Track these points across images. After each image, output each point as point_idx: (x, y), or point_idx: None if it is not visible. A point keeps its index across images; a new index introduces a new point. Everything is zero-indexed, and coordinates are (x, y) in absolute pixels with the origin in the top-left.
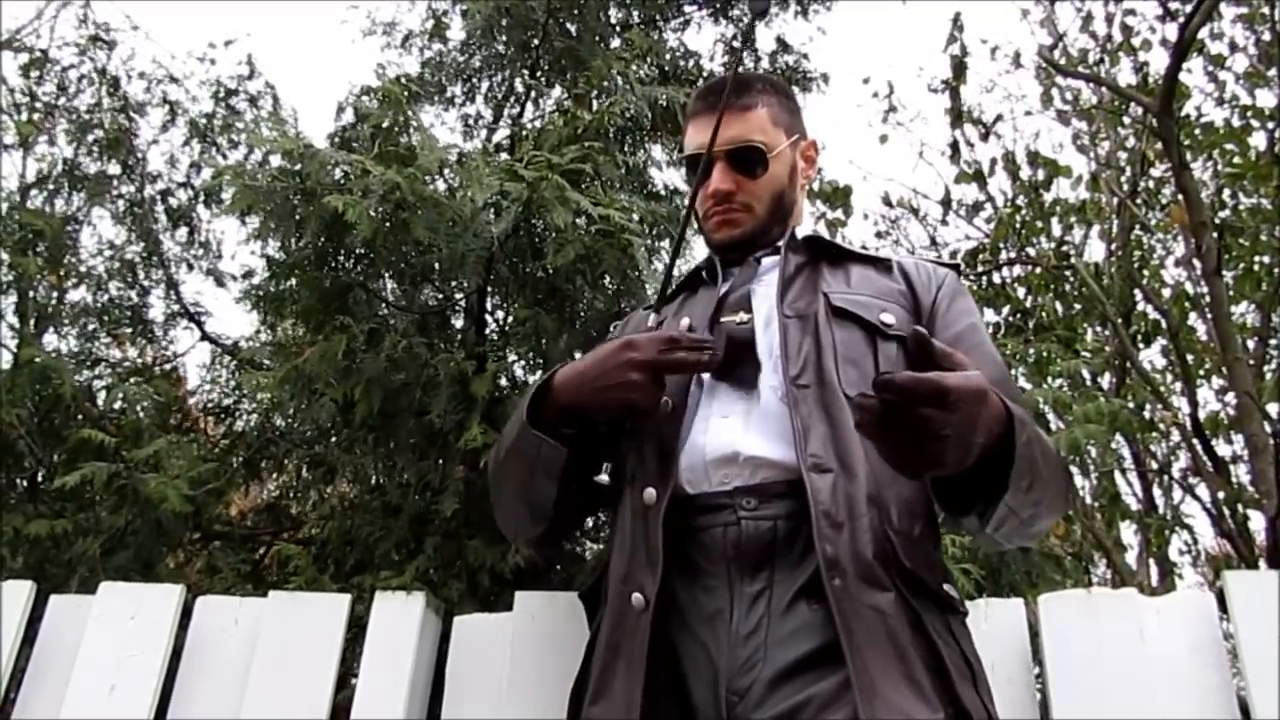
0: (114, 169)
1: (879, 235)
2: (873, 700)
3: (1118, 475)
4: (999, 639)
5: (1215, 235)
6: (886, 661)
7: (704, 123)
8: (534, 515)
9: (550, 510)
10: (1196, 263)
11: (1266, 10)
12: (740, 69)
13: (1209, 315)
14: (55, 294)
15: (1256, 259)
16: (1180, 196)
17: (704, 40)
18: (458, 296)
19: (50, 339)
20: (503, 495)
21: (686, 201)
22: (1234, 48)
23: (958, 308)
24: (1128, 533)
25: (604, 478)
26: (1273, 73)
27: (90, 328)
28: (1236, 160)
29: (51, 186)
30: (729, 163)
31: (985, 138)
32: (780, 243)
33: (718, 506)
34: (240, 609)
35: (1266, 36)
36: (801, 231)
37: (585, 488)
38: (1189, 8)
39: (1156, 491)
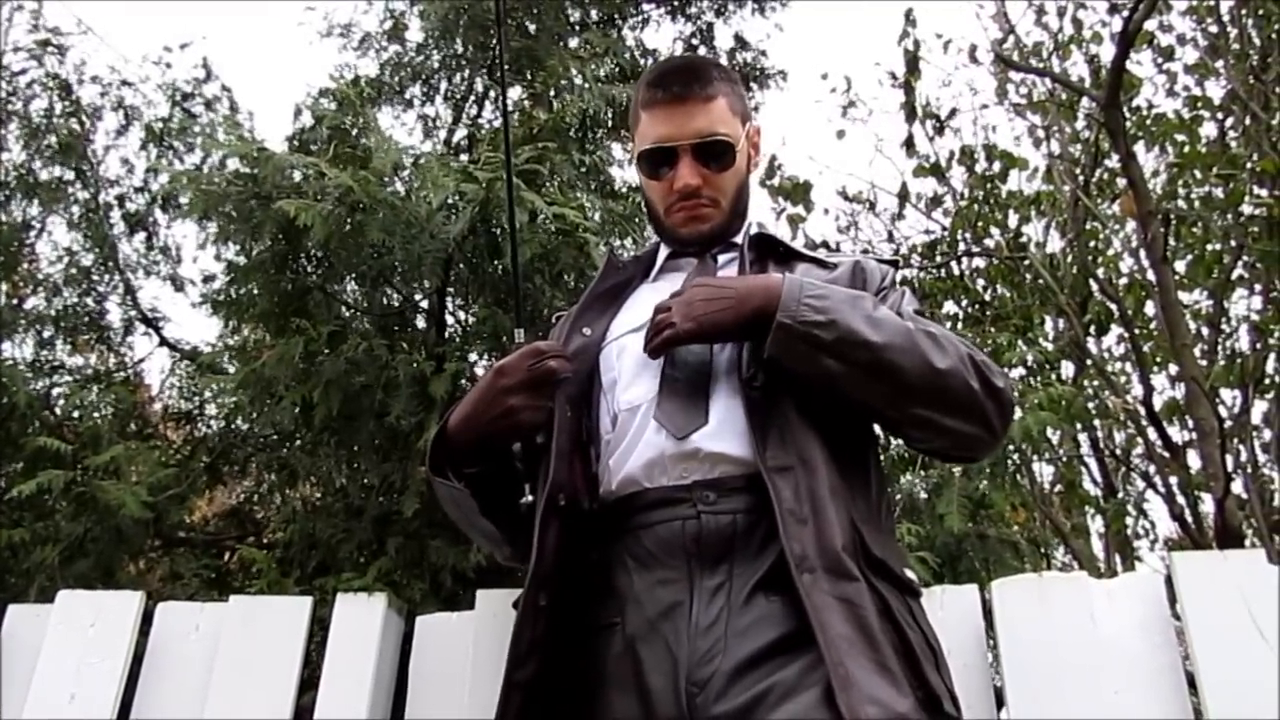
0: (68, 175)
1: (842, 231)
2: (849, 689)
3: (1077, 462)
4: (955, 625)
5: (1162, 224)
6: (859, 650)
7: (664, 112)
8: (491, 541)
9: (501, 535)
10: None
11: (1212, 3)
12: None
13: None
14: (14, 301)
15: (1208, 247)
16: (1129, 187)
17: (663, 38)
18: (418, 298)
19: (5, 347)
20: (460, 528)
21: (642, 198)
22: (1182, 41)
23: (895, 295)
24: (1094, 519)
25: (528, 499)
26: (1220, 64)
27: (46, 335)
28: (1186, 150)
29: (5, 194)
30: (695, 156)
31: (940, 131)
32: (737, 239)
33: (675, 500)
34: (201, 614)
35: (1214, 29)
36: (752, 228)
37: (529, 508)
38: (1133, 2)
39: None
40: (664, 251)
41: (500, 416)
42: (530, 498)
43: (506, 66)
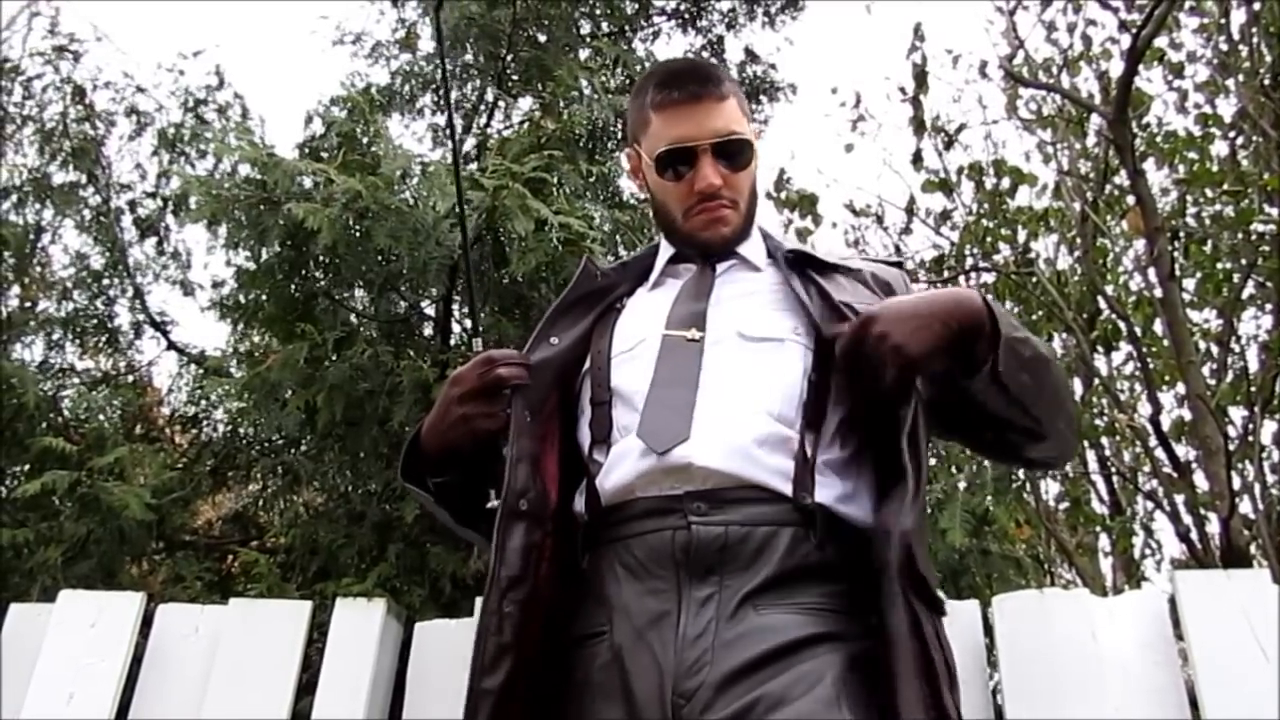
0: (81, 179)
1: (849, 245)
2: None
3: (1084, 479)
4: (955, 641)
5: (1170, 241)
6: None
7: (681, 112)
8: (479, 546)
9: (485, 541)
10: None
11: (1222, 21)
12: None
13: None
14: (26, 304)
15: (1218, 265)
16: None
17: (673, 50)
18: (424, 305)
19: (16, 348)
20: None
21: (651, 203)
22: (1192, 58)
23: None
24: (1102, 538)
25: (493, 504)
26: (1230, 82)
27: (56, 337)
28: (1196, 168)
29: (16, 197)
30: (716, 155)
31: (948, 147)
32: (740, 247)
33: (667, 510)
34: (201, 616)
35: (1224, 47)
36: (779, 240)
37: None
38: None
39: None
40: (664, 256)
41: (455, 424)
42: (495, 502)
43: (517, 77)
